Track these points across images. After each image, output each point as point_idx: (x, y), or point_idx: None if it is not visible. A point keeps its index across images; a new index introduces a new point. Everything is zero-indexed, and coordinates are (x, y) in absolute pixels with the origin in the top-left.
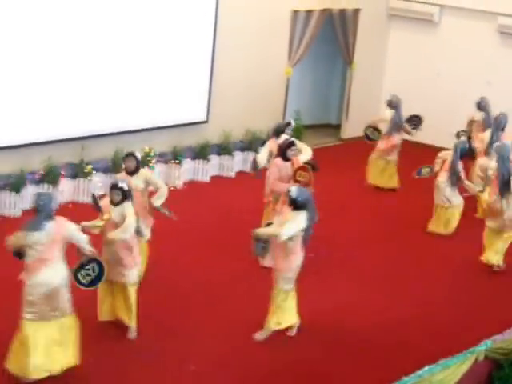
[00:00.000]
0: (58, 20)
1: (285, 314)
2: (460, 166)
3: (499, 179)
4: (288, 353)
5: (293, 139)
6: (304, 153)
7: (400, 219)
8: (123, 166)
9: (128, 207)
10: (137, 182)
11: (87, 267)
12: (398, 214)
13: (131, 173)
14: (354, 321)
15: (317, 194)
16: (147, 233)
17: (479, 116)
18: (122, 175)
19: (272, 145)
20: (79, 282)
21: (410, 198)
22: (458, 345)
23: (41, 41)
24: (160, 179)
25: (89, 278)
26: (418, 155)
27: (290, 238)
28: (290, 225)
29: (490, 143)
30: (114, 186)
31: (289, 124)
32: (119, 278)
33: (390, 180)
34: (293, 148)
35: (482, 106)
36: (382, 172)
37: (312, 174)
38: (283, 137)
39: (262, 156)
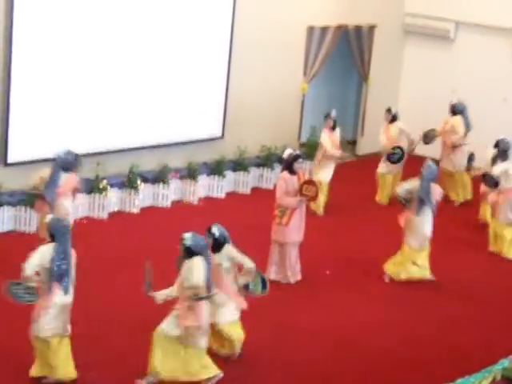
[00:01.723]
0: (76, 39)
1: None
2: None
3: None
4: (303, 368)
5: (298, 152)
6: None
7: None
8: None
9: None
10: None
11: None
12: None
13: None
14: (371, 339)
15: (332, 212)
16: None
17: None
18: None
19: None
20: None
21: None
22: (476, 364)
23: (57, 58)
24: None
25: (27, 297)
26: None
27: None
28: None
29: None
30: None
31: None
32: None
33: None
34: (299, 161)
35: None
36: None
37: (318, 189)
38: (288, 150)
39: None
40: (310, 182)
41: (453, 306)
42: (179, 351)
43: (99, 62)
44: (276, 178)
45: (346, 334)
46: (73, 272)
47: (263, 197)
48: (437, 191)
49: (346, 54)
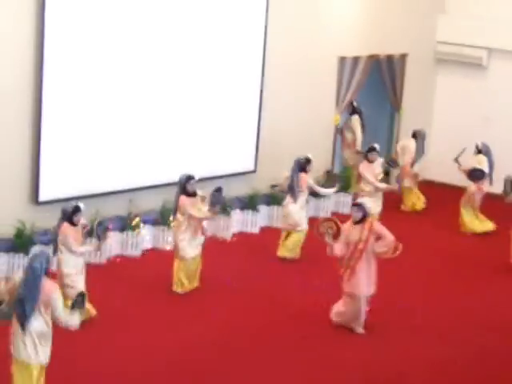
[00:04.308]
0: (107, 77)
1: None
2: None
3: None
4: None
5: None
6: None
7: (453, 267)
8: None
9: None
10: None
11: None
12: (447, 262)
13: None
14: (411, 372)
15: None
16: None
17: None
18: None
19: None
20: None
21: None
22: None
23: (87, 95)
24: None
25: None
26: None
27: None
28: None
29: None
30: None
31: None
32: None
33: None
34: None
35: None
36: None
37: (340, 226)
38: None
39: None
40: (330, 220)
41: (494, 336)
42: None
43: (130, 99)
44: None
45: (381, 369)
46: None
47: None
48: None
49: (378, 83)
